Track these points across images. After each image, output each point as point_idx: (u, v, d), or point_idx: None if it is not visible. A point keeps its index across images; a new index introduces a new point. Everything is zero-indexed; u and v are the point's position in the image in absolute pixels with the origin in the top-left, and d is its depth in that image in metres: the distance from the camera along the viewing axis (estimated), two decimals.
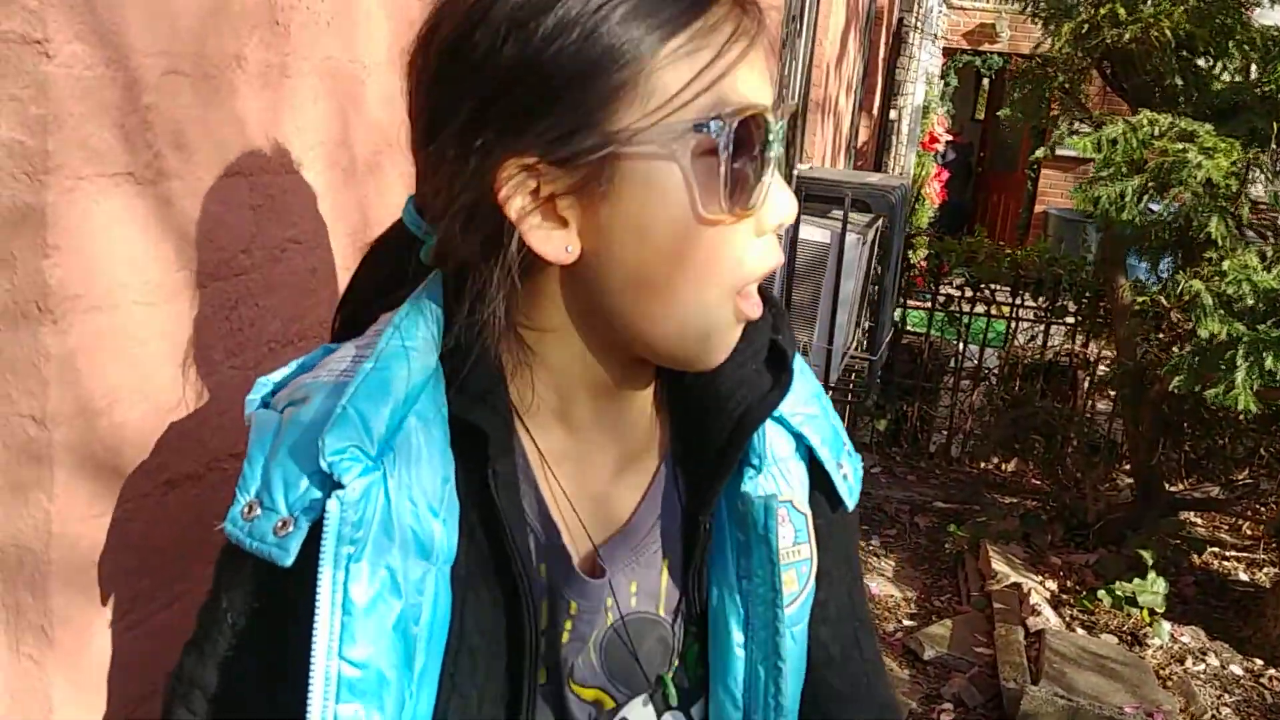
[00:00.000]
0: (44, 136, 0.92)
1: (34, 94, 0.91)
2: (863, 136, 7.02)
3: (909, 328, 8.05)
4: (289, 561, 0.78)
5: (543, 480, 0.88)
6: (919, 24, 8.22)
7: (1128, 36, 5.14)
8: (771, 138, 0.79)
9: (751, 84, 0.78)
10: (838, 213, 4.02)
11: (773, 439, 0.91)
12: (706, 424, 0.89)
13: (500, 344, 0.83)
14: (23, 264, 0.94)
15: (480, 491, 0.82)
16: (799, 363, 0.94)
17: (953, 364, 7.75)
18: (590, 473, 0.90)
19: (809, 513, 0.91)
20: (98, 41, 0.95)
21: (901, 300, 7.83)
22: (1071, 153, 5.15)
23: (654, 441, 0.93)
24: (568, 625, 0.88)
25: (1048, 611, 5.40)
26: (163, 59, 1.02)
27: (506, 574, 0.83)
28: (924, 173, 9.55)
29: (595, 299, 0.81)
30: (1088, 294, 6.98)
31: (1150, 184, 4.70)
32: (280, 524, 0.78)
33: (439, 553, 0.81)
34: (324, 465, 0.77)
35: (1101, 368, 7.15)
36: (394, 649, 0.78)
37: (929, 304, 7.77)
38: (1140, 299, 5.44)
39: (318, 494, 0.78)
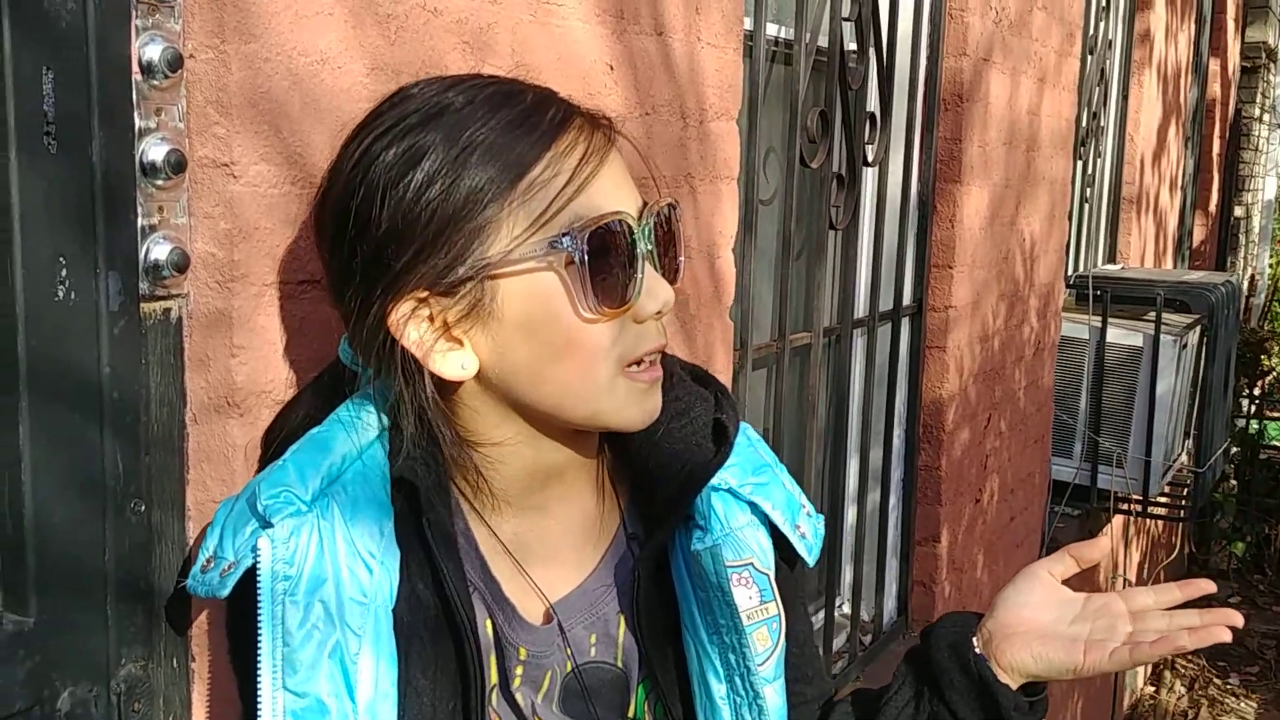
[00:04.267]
0: (231, 248, 1.03)
1: (223, 211, 1.02)
2: (1199, 235, 6.53)
3: (1269, 441, 7.28)
4: (225, 593, 0.89)
5: (489, 549, 0.99)
6: (1264, 115, 7.63)
7: None
8: (636, 236, 0.90)
9: (607, 193, 0.89)
10: (1153, 314, 3.75)
11: (727, 511, 0.99)
12: (655, 490, 1.00)
13: (441, 446, 0.93)
14: (215, 363, 1.04)
15: (419, 540, 0.92)
16: (751, 438, 1.06)
17: None
18: (546, 543, 1.01)
19: (771, 572, 1.00)
20: (283, 161, 1.06)
21: (1256, 411, 7.12)
22: None
23: (609, 511, 1.04)
24: (519, 670, 0.98)
25: None
26: None
27: (449, 619, 0.92)
28: None
29: (510, 399, 0.93)
30: None
31: None
32: (226, 566, 0.89)
33: (376, 592, 0.90)
34: (260, 508, 0.88)
35: None
36: (332, 677, 0.87)
37: None
38: None
39: (259, 535, 0.88)
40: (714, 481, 1.00)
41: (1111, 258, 4.62)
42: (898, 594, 2.88)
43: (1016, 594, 1.04)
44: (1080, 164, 4.05)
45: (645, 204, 0.93)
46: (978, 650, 1.02)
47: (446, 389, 0.93)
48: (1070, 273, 4.03)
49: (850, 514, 2.71)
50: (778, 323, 2.17)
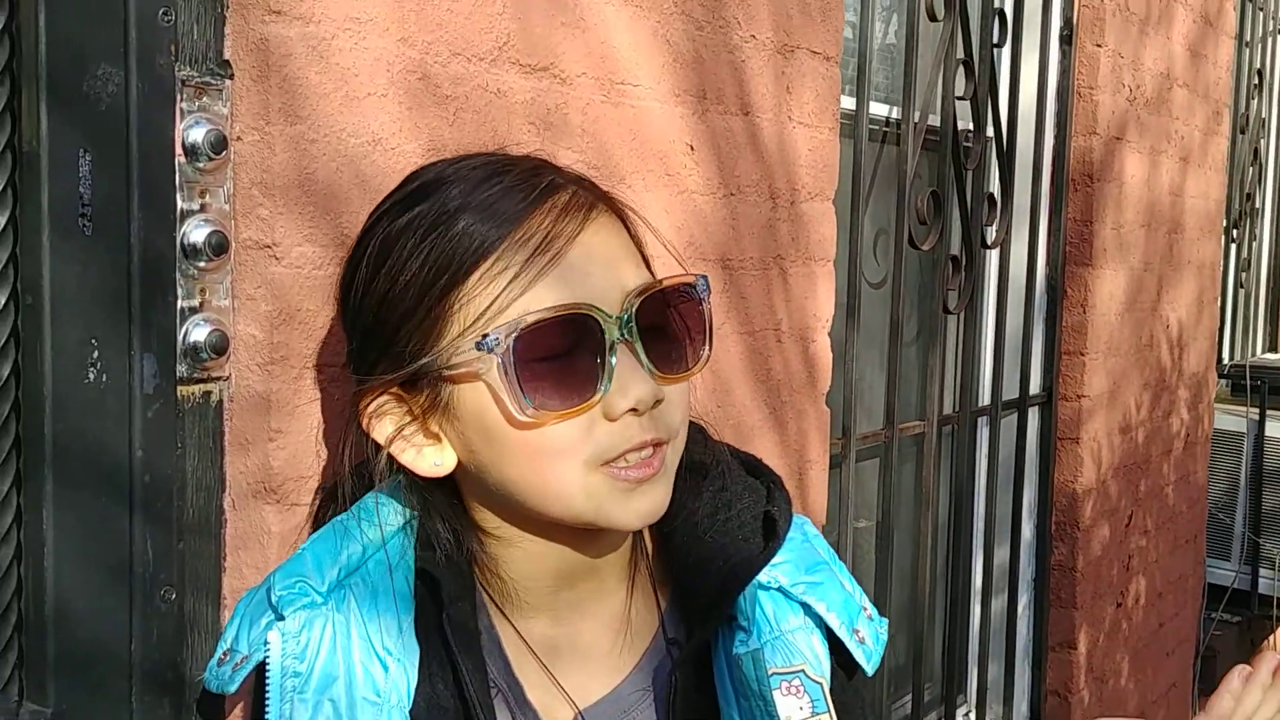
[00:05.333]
0: (271, 330, 1.01)
1: (265, 293, 1.01)
2: None
3: None
4: (233, 689, 0.85)
5: (515, 649, 0.92)
6: None
7: None
8: (605, 326, 0.81)
9: (568, 282, 0.81)
10: None
11: (778, 612, 0.91)
12: (695, 589, 0.92)
13: (461, 541, 0.89)
14: (255, 447, 1.02)
15: (440, 637, 0.86)
16: (808, 533, 0.97)
17: None
18: (577, 644, 0.93)
19: (825, 680, 0.90)
20: (329, 242, 1.04)
21: None
22: None
23: (648, 611, 0.96)
24: None
25: None
26: None
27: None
28: None
29: (492, 498, 0.88)
30: None
31: None
32: (239, 660, 0.85)
33: (391, 691, 0.84)
34: (272, 599, 0.84)
35: None
36: None
37: None
38: None
39: (271, 628, 0.85)
40: (763, 580, 0.91)
41: (1273, 346, 4.34)
42: (1030, 701, 2.69)
43: None
44: (1234, 247, 3.83)
45: (636, 287, 0.84)
46: None
47: (429, 485, 0.89)
48: (1225, 362, 3.79)
49: (975, 614, 2.55)
50: (887, 410, 2.07)
